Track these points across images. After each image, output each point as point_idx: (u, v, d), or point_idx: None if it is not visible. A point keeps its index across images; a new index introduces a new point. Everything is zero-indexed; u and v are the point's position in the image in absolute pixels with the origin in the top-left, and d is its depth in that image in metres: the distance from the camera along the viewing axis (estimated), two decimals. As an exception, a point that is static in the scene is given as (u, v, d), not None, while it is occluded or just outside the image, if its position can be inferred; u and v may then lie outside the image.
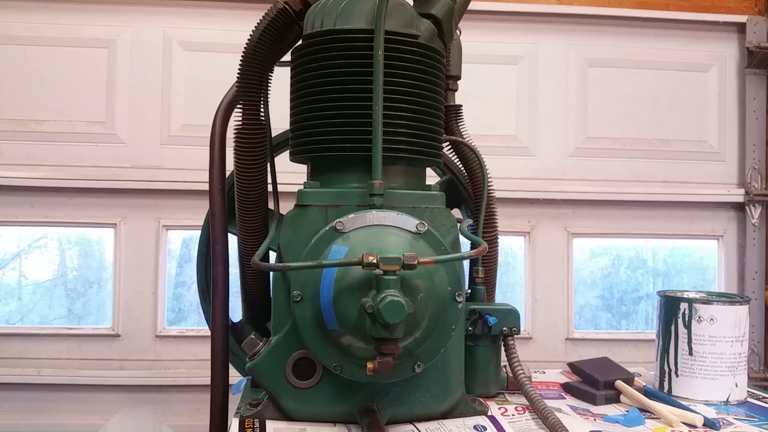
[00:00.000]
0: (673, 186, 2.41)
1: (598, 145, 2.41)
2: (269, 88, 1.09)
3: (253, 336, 0.99)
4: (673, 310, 1.12)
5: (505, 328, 1.08)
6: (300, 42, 1.04)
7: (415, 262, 0.82)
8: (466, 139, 1.20)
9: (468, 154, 1.20)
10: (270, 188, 1.12)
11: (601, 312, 2.49)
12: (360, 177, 0.97)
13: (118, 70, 2.26)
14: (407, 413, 0.96)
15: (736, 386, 1.08)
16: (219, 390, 1.13)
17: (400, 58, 0.97)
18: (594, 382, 1.11)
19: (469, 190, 1.22)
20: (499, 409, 1.02)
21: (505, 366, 1.11)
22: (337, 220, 0.91)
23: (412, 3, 1.04)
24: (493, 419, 0.98)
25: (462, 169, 1.23)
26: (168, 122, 2.28)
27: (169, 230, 2.30)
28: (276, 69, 1.09)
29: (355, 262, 0.83)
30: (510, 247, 2.43)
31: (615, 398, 1.09)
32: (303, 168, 1.11)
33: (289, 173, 1.19)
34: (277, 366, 0.94)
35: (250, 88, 1.04)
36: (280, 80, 1.13)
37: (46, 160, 2.23)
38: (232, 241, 1.16)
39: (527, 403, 1.02)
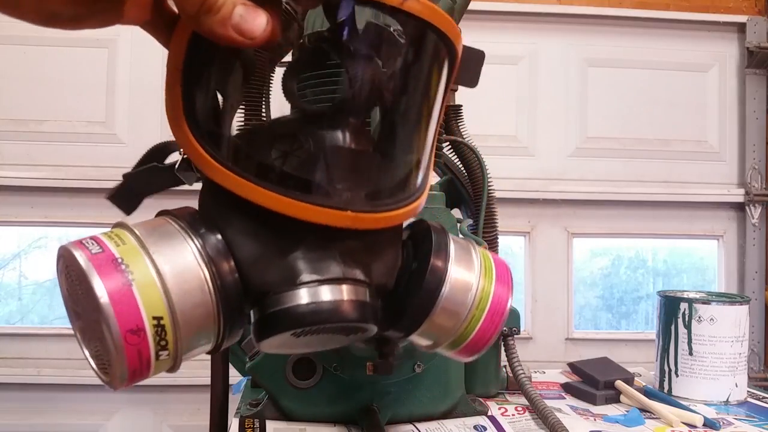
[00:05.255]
0: (673, 186, 2.41)
1: (598, 145, 2.41)
2: (269, 88, 1.09)
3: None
4: (673, 310, 1.12)
5: (505, 328, 1.07)
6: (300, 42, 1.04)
7: (415, 262, 0.82)
8: (466, 139, 1.20)
9: (468, 154, 1.19)
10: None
11: (601, 312, 2.49)
12: (360, 177, 0.97)
13: (118, 70, 2.26)
14: (407, 413, 0.96)
15: (736, 386, 1.08)
16: (219, 390, 1.13)
17: (400, 58, 0.97)
18: (594, 382, 1.11)
19: (469, 190, 1.22)
20: (499, 409, 1.02)
21: (505, 366, 1.11)
22: (337, 220, 0.90)
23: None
24: (493, 419, 0.98)
25: (462, 169, 1.23)
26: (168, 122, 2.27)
27: (169, 230, 2.30)
28: (276, 69, 1.09)
29: (355, 262, 0.82)
30: (510, 247, 2.43)
31: (615, 398, 1.09)
32: (303, 168, 1.11)
33: (289, 173, 1.19)
34: (277, 366, 0.94)
35: (250, 88, 1.04)
36: (280, 80, 1.12)
37: (46, 160, 2.23)
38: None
39: (527, 403, 1.02)
